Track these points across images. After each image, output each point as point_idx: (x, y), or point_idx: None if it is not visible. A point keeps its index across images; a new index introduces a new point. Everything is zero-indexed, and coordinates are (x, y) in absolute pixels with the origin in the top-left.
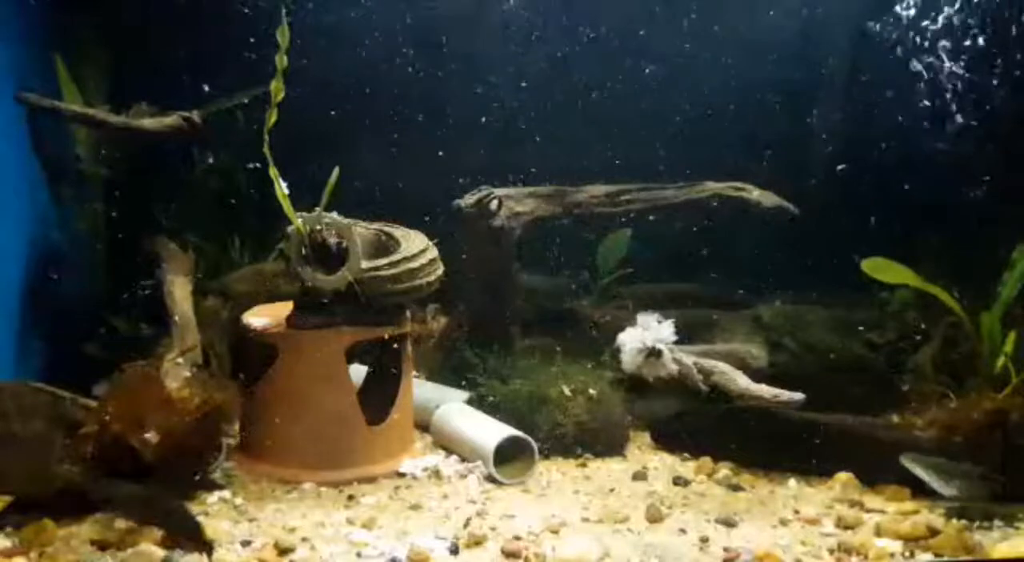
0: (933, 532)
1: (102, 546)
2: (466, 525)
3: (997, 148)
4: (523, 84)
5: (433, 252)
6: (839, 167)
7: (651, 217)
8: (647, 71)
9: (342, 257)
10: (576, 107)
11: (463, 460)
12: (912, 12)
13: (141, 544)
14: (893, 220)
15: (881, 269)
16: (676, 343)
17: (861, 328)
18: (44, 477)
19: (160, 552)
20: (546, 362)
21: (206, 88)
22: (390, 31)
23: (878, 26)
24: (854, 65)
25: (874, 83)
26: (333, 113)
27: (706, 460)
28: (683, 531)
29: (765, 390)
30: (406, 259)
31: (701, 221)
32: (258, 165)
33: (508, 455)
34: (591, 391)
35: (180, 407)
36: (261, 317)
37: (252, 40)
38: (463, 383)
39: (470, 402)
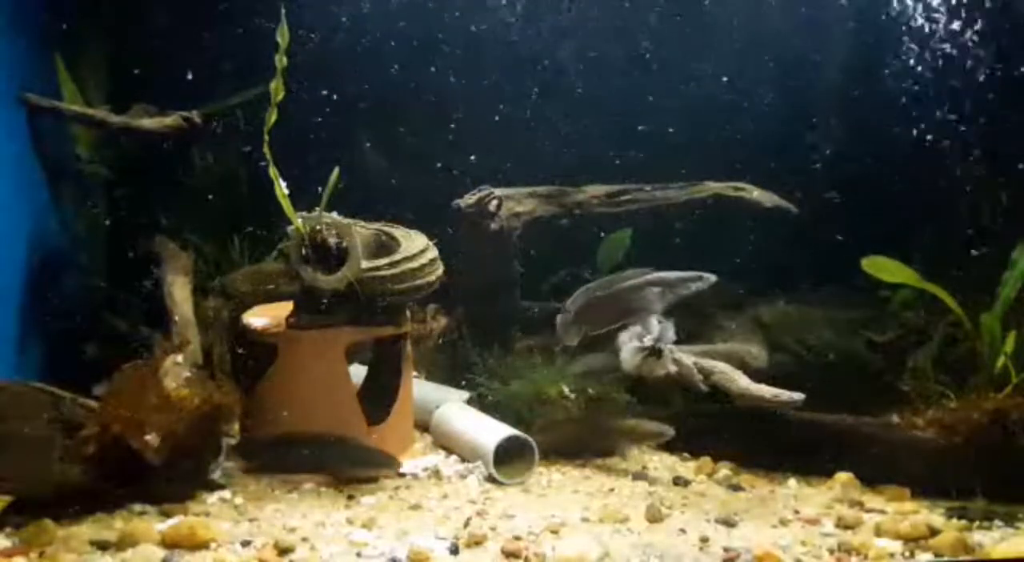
0: (933, 532)
1: (102, 546)
2: (466, 525)
3: (998, 147)
4: (524, 84)
5: (433, 252)
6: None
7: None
8: (650, 70)
9: (342, 257)
10: (578, 107)
11: (463, 460)
12: (913, 13)
13: (141, 544)
14: (893, 220)
15: (881, 268)
16: (676, 343)
17: (861, 328)
18: (44, 477)
19: (160, 552)
20: (546, 362)
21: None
22: (391, 31)
23: (879, 26)
24: (856, 65)
25: (876, 83)
26: (333, 113)
27: (706, 460)
28: (683, 531)
29: (765, 390)
30: (406, 259)
31: (701, 221)
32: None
33: (508, 455)
34: (591, 391)
35: (180, 407)
36: (261, 317)
37: (252, 39)
38: (463, 383)
39: (470, 402)
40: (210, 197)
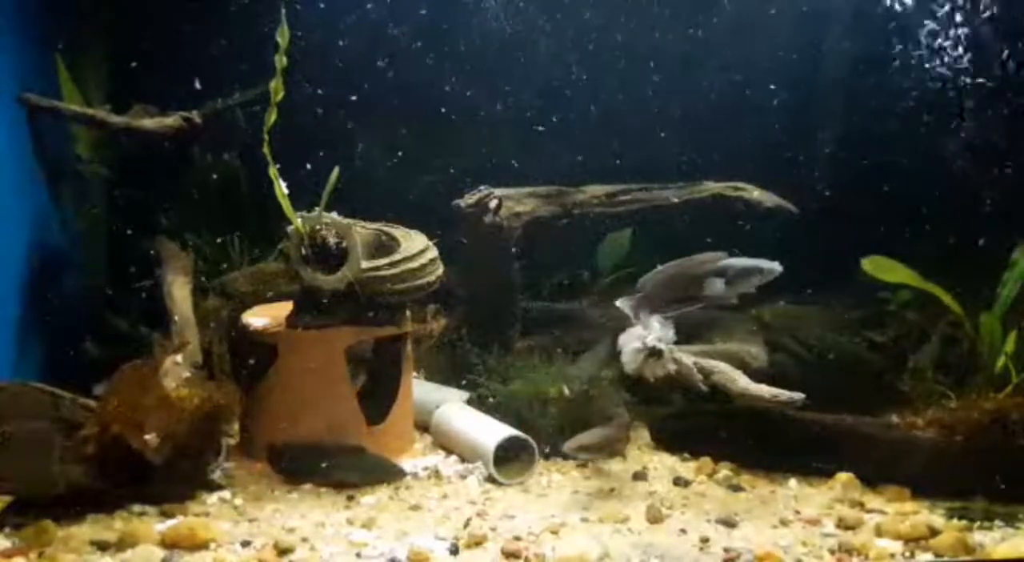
0: (933, 532)
1: (102, 546)
2: (466, 525)
3: (998, 147)
4: (524, 84)
5: (433, 252)
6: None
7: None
8: (649, 70)
9: (342, 257)
10: (578, 107)
11: (463, 460)
12: (914, 12)
13: (141, 544)
14: (893, 220)
15: (882, 268)
16: (676, 343)
17: (861, 328)
18: (44, 477)
19: (160, 552)
20: (546, 362)
21: (200, 87)
22: (391, 30)
23: (879, 23)
24: (855, 64)
25: (875, 82)
26: (333, 112)
27: (706, 460)
28: (683, 531)
29: (765, 390)
30: (406, 259)
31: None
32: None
33: (508, 455)
34: (591, 392)
35: (180, 407)
36: (261, 317)
37: (253, 39)
38: (463, 383)
39: (470, 402)
40: (210, 196)
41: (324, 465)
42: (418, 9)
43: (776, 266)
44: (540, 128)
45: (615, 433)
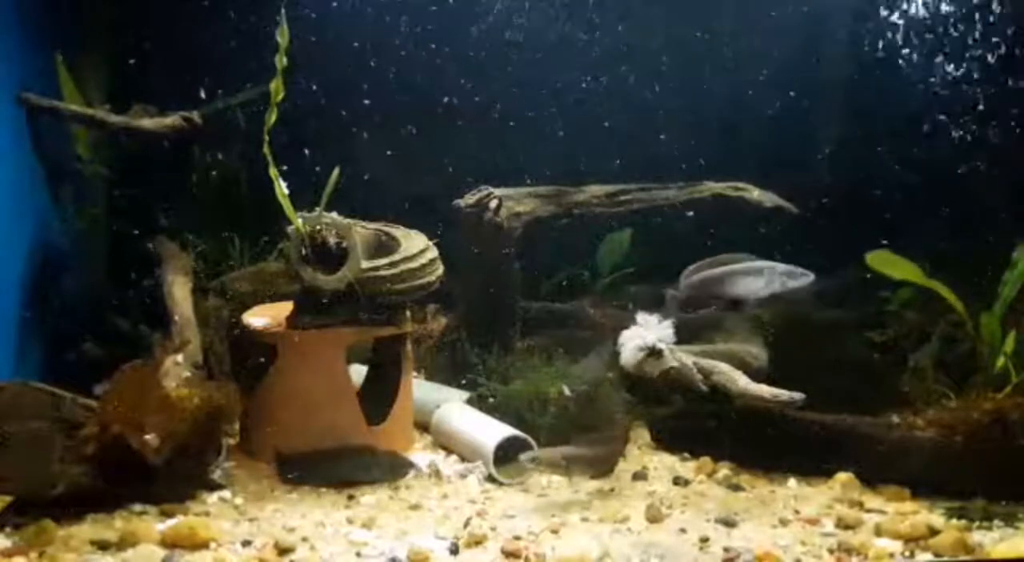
0: (933, 532)
1: (102, 546)
2: (466, 525)
3: (999, 147)
4: (524, 84)
5: (433, 252)
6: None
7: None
8: (650, 70)
9: (342, 257)
10: (578, 107)
11: (463, 460)
12: (914, 10)
13: (141, 544)
14: (893, 219)
15: (885, 263)
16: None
17: (861, 327)
18: (44, 477)
19: (160, 552)
20: (545, 362)
21: (201, 87)
22: (393, 30)
23: (881, 23)
24: (856, 63)
25: (876, 82)
26: (334, 112)
27: (706, 460)
28: (683, 531)
29: (765, 390)
30: (406, 259)
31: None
32: None
33: (508, 455)
34: (592, 393)
35: (180, 407)
36: (261, 317)
37: (253, 39)
38: (463, 383)
39: (470, 402)
40: (210, 195)
41: (332, 465)
42: (419, 8)
43: (809, 274)
44: (540, 129)
45: (581, 454)
